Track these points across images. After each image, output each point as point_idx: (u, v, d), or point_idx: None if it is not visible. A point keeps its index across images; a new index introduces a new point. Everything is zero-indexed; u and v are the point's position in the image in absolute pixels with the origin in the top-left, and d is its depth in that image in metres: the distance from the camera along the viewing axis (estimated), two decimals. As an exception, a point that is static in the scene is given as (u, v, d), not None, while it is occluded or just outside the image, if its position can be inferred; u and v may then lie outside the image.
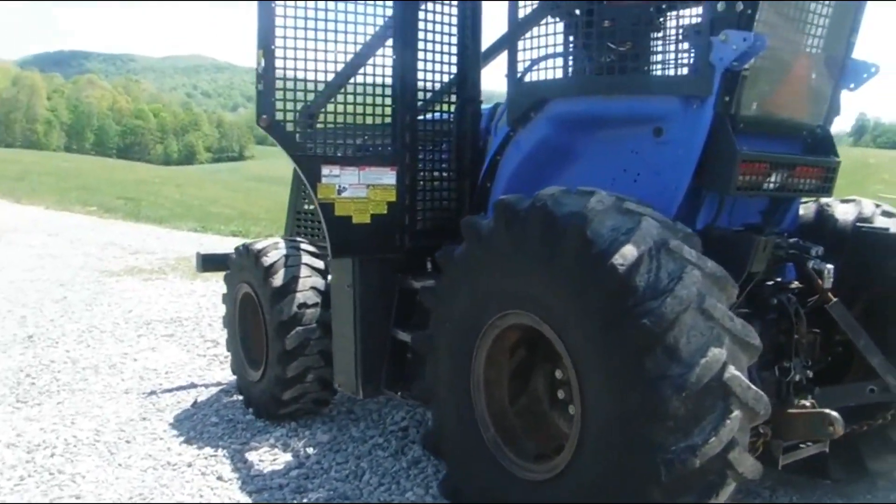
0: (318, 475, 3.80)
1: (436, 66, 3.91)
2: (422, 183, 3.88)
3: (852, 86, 3.40)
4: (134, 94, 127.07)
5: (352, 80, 3.77)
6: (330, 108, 3.75)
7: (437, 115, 3.99)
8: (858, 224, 3.44)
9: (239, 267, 4.75)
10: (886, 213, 3.61)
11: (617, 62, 3.04)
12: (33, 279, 9.68)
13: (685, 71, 3.01)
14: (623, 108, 3.09)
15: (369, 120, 3.81)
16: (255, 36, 3.42)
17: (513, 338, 2.97)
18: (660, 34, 3.16)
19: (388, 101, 3.79)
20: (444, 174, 3.96)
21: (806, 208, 3.68)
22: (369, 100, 3.79)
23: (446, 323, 3.07)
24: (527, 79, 3.38)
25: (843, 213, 3.58)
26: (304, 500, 3.53)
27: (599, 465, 2.48)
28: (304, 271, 4.42)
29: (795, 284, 3.31)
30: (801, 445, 3.01)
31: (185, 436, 4.35)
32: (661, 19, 3.12)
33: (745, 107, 2.94)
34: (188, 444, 4.22)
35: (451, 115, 3.96)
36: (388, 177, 3.76)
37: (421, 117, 3.91)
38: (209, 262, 5.26)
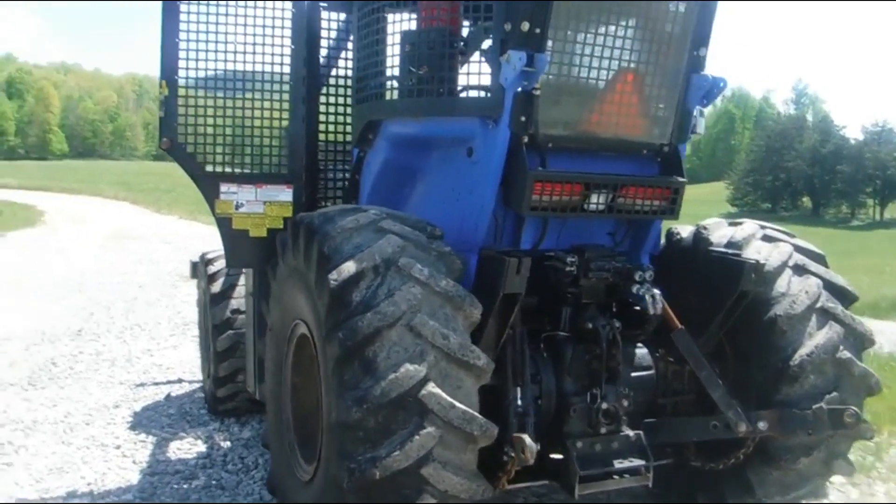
0: (215, 465, 4.15)
1: (339, 90, 4.16)
2: (321, 201, 4.13)
3: (705, 102, 3.26)
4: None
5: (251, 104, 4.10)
6: (229, 130, 4.11)
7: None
8: (711, 249, 3.28)
9: (200, 275, 5.25)
10: (768, 238, 3.38)
11: (429, 85, 3.12)
12: (121, 281, 10.91)
13: (483, 92, 3.04)
14: (444, 129, 3.17)
15: (268, 141, 4.12)
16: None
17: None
18: (463, 57, 3.20)
19: (286, 122, 4.09)
20: (341, 192, 4.18)
21: (687, 231, 3.53)
22: (267, 123, 4.11)
23: (271, 330, 3.30)
24: (362, 101, 3.51)
25: (720, 237, 3.40)
26: (185, 485, 3.89)
27: (323, 469, 2.62)
28: (243, 279, 4.81)
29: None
30: (615, 477, 2.91)
31: (135, 422, 4.87)
32: (458, 42, 3.15)
33: (546, 126, 2.93)
34: (131, 430, 4.73)
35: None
36: (284, 194, 4.05)
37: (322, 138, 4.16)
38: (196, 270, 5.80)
